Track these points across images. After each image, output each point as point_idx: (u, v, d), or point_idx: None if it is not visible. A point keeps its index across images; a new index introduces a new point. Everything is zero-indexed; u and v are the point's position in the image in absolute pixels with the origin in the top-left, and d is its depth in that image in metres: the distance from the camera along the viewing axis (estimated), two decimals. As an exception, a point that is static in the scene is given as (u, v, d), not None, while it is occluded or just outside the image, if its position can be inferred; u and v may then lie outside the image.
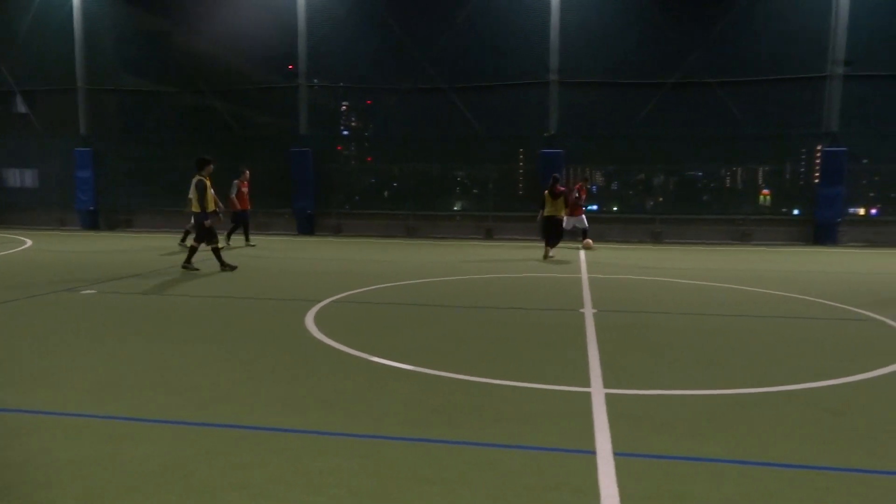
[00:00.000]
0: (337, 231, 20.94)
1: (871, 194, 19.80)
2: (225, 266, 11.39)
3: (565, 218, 15.11)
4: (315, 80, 21.45)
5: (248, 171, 16.14)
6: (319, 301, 8.56)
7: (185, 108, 22.35)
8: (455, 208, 21.81)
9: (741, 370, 5.51)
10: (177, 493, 3.19)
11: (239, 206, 15.72)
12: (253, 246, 15.91)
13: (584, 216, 16.87)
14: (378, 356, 5.78)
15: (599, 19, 18.93)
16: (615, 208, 21.05)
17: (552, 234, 14.29)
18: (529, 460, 3.63)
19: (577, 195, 16.73)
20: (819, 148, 18.76)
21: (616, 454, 3.68)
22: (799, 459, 3.66)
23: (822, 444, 3.87)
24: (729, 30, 18.63)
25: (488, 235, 20.28)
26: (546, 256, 14.07)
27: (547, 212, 14.21)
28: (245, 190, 15.92)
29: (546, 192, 14.27)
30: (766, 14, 18.33)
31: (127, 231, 21.38)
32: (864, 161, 19.30)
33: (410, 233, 20.62)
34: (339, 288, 9.71)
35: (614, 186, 21.78)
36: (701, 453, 3.73)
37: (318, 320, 7.36)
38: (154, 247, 15.84)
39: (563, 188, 14.58)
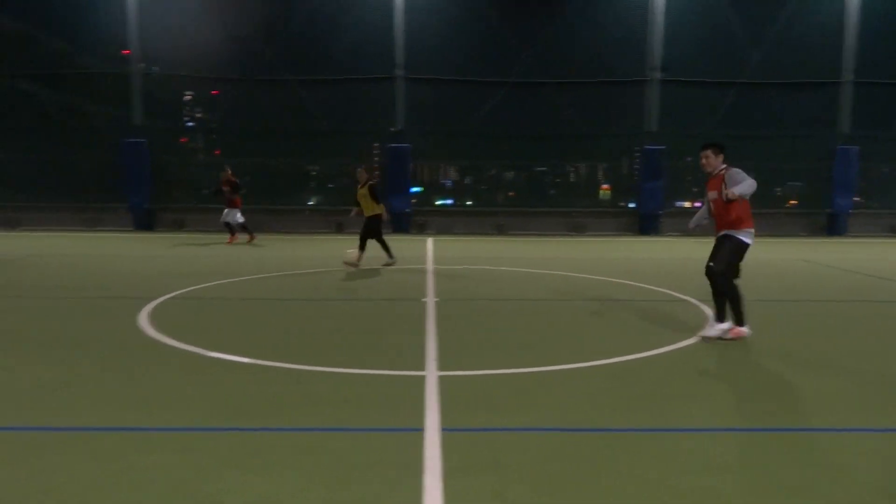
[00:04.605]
0: (179, 226, 19.91)
1: (695, 189, 21.93)
2: None
3: (228, 211, 15.75)
4: (155, 68, 20.21)
5: None
6: (155, 298, 8.17)
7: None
8: (310, 203, 21.46)
9: (558, 349, 5.97)
10: (-28, 503, 2.98)
11: None
12: None
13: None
14: (216, 351, 5.64)
15: (442, 19, 19.47)
16: (469, 203, 21.67)
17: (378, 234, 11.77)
18: (356, 441, 3.74)
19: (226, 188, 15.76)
20: (637, 147, 20.49)
21: (443, 430, 3.88)
22: (591, 424, 4.10)
23: (612, 410, 4.34)
24: (558, 35, 19.81)
25: (339, 229, 20.18)
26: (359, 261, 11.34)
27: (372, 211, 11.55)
28: None
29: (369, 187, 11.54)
30: (592, 22, 19.71)
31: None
32: (689, 159, 21.31)
33: (258, 227, 20.02)
34: (178, 284, 9.30)
35: (451, 181, 22.36)
36: (514, 424, 4.04)
37: (153, 318, 7.03)
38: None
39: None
